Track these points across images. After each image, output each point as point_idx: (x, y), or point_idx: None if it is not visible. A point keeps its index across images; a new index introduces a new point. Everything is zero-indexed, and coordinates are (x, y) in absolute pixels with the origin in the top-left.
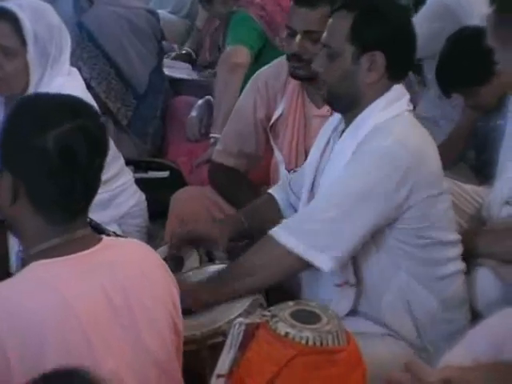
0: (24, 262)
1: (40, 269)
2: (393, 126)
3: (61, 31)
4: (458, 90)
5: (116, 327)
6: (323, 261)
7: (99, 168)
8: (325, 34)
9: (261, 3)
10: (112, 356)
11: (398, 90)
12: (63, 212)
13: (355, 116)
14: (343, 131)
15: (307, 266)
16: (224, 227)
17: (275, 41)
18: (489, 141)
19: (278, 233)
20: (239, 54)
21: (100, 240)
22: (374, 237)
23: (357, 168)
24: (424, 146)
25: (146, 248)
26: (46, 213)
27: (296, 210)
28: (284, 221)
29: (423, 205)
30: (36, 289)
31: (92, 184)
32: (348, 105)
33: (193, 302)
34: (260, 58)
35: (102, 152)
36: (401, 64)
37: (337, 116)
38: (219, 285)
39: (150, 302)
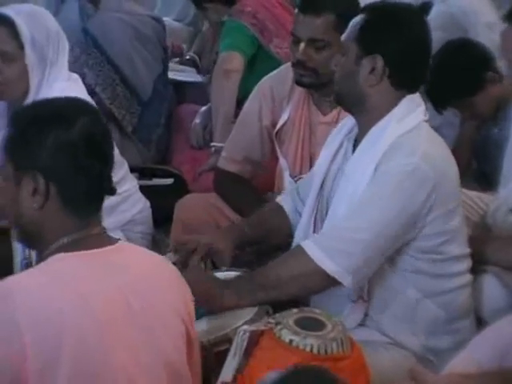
0: (41, 258)
1: (58, 263)
2: (415, 141)
3: (58, 35)
4: (453, 103)
5: (131, 327)
6: (351, 282)
7: (113, 159)
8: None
9: (252, 11)
10: (125, 354)
11: (413, 100)
12: (90, 205)
13: (369, 124)
14: (356, 138)
15: (335, 283)
16: (227, 237)
17: (269, 48)
18: (487, 149)
19: (310, 247)
20: (232, 59)
21: (116, 241)
22: (391, 254)
23: (385, 188)
24: (445, 159)
25: (157, 256)
26: (74, 207)
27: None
28: (316, 235)
29: (441, 220)
30: (53, 284)
31: (110, 174)
32: (353, 104)
33: (214, 307)
34: (254, 65)
35: (112, 143)
36: (405, 72)
37: (350, 120)
38: (245, 294)
39: (162, 306)
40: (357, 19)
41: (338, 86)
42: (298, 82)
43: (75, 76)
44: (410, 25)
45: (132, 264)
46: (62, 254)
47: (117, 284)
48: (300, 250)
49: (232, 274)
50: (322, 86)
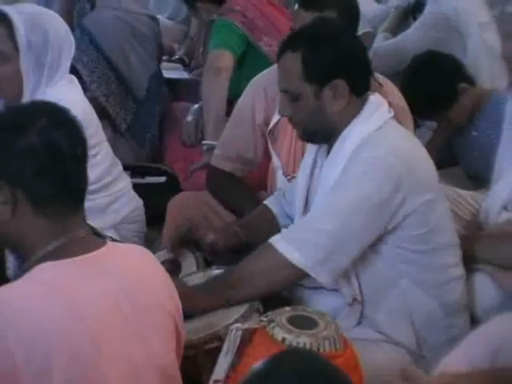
0: (29, 266)
1: (47, 271)
2: (382, 137)
3: (60, 39)
4: (431, 118)
5: (123, 332)
6: (321, 273)
7: (83, 158)
8: (279, 80)
9: (241, 10)
10: (118, 360)
11: (375, 100)
12: (63, 206)
13: (339, 134)
14: (330, 148)
15: (304, 276)
16: (219, 238)
17: (259, 45)
18: (468, 153)
19: (277, 241)
20: (222, 57)
21: (104, 243)
22: (376, 246)
23: (350, 180)
24: (414, 151)
25: (146, 253)
26: (48, 211)
27: (292, 220)
28: (283, 230)
29: (420, 210)
30: (43, 293)
31: (81, 176)
32: (326, 136)
33: (190, 308)
34: (244, 63)
35: (81, 142)
36: (363, 80)
37: None
38: (217, 292)
39: (152, 306)
40: (287, 62)
41: (307, 126)
42: None
43: (72, 77)
44: (343, 34)
45: (121, 266)
46: (50, 263)
47: (107, 289)
48: (268, 245)
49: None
50: None
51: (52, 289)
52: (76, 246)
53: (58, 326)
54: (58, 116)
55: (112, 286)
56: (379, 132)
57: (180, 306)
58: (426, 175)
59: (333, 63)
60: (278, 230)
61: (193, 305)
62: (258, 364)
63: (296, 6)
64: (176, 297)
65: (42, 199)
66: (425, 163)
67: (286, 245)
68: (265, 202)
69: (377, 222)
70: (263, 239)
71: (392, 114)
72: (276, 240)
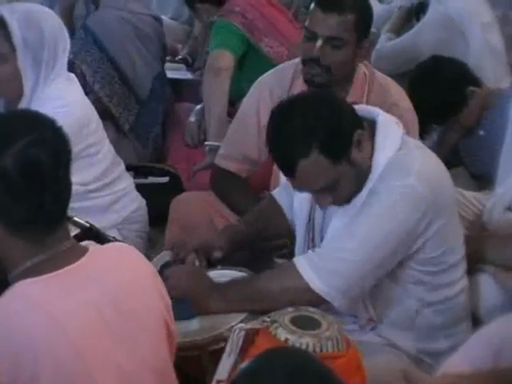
0: (12, 281)
1: (26, 287)
2: (408, 160)
3: (56, 36)
4: (440, 124)
5: (109, 339)
6: (341, 302)
7: (65, 177)
8: (306, 186)
9: (241, 11)
10: (108, 369)
11: (383, 120)
12: (39, 228)
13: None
14: None
15: (323, 302)
16: (223, 238)
17: (260, 46)
18: (474, 152)
19: (302, 265)
20: (222, 58)
21: (85, 251)
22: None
23: (380, 210)
24: (439, 171)
25: (134, 253)
26: (22, 233)
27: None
28: (309, 252)
29: (440, 232)
30: (23, 308)
31: (61, 194)
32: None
33: (199, 307)
34: (245, 64)
35: (64, 160)
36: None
37: None
38: (232, 301)
39: (141, 308)
40: (307, 167)
41: (349, 192)
42: (309, 81)
43: (72, 75)
44: (326, 96)
45: (106, 272)
46: (29, 280)
47: (89, 298)
48: (292, 266)
49: (226, 272)
50: (328, 86)
51: (33, 305)
52: (57, 260)
53: (41, 341)
54: (40, 132)
55: (94, 294)
56: (402, 153)
57: (170, 306)
58: (449, 194)
59: (346, 126)
60: (286, 222)
61: (206, 308)
62: (246, 363)
63: (312, 6)
64: (165, 295)
65: (16, 224)
66: (448, 181)
67: (310, 271)
68: (272, 193)
69: (401, 251)
70: (272, 228)
71: (401, 127)
72: (300, 263)
